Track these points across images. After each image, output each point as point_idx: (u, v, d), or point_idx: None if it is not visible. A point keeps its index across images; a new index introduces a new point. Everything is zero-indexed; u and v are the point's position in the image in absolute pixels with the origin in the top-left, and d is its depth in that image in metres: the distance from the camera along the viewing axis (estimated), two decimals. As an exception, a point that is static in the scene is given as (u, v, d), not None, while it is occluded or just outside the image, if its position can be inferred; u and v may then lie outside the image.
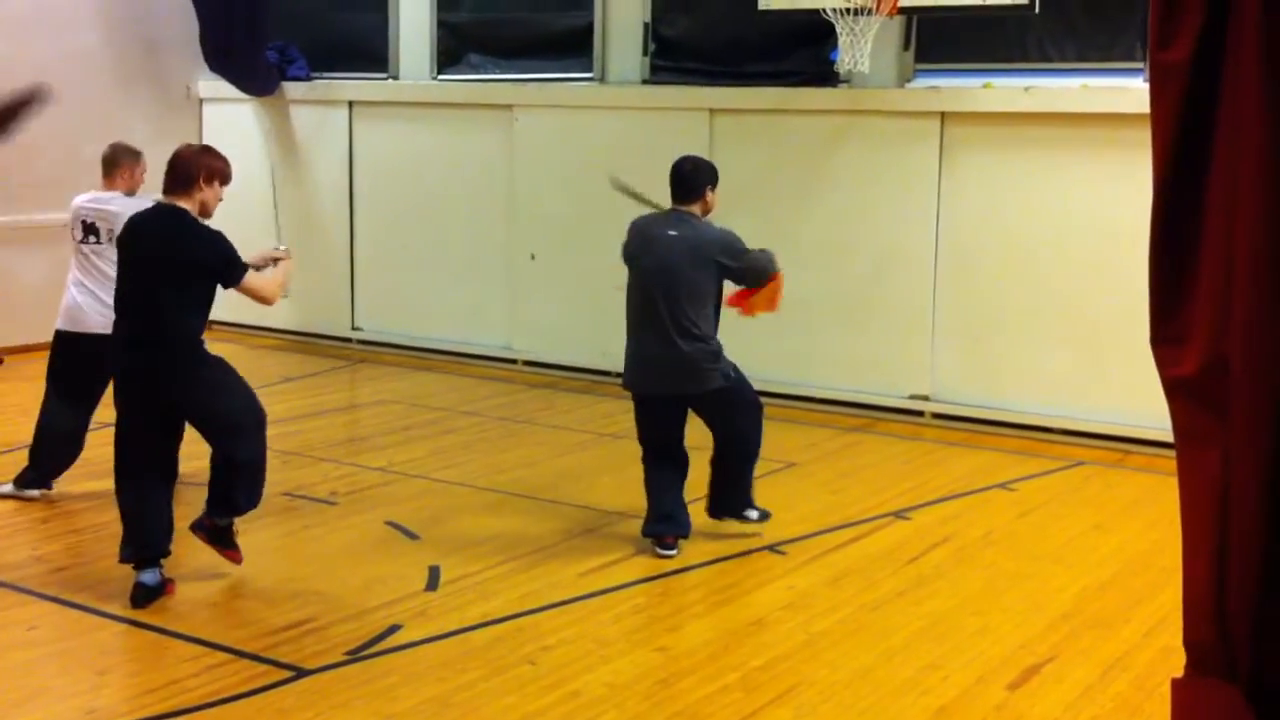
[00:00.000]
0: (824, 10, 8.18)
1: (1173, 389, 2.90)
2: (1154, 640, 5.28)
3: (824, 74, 9.27)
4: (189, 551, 6.02)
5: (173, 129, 11.36)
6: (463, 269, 10.92)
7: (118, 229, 6.29)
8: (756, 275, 6.28)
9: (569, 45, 10.54)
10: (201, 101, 12.03)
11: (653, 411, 6.32)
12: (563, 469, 7.75)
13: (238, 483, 5.65)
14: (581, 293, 10.22)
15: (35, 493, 6.90)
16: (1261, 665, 2.71)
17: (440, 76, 11.14)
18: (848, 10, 8.12)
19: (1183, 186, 2.87)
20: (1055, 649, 5.22)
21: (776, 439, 7.31)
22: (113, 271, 6.06)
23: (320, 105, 11.52)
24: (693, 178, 6.29)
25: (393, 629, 5.26)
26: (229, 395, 5.66)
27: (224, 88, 11.62)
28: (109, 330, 5.75)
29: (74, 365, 6.78)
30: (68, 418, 6.82)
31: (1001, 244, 8.75)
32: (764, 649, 5.18)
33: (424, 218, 11.04)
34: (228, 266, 5.52)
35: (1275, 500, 2.68)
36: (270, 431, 8.32)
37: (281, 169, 11.56)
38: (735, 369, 6.30)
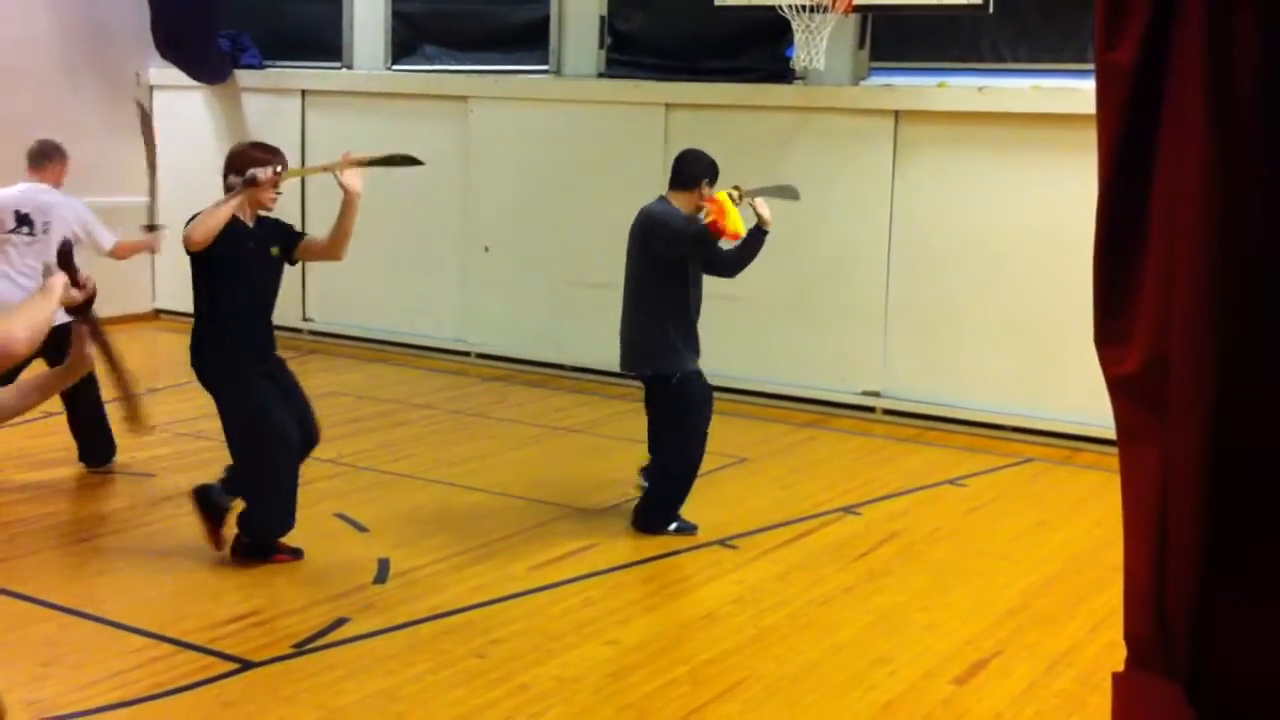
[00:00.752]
0: (780, 7, 8.20)
1: (1115, 387, 2.93)
2: (1099, 636, 5.33)
3: (780, 71, 9.30)
4: (136, 542, 5.96)
5: (123, 117, 11.24)
6: (416, 261, 10.87)
7: (54, 222, 6.32)
8: (698, 240, 6.22)
9: (525, 38, 10.51)
10: (152, 89, 11.89)
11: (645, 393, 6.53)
12: (514, 462, 7.74)
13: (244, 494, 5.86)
14: (535, 286, 10.20)
15: None
16: (1199, 660, 2.74)
17: (395, 67, 11.08)
18: (803, 7, 8.14)
19: (1127, 187, 2.90)
20: (1001, 644, 5.26)
21: (730, 434, 7.32)
22: (38, 263, 6.20)
23: (273, 94, 11.43)
24: (687, 168, 6.37)
25: (340, 621, 5.22)
26: (232, 429, 5.76)
27: (175, 75, 11.51)
28: None
29: None
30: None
31: (954, 242, 8.81)
32: (713, 643, 5.19)
33: (377, 209, 10.90)
34: None
35: (1213, 498, 2.71)
36: (217, 423, 8.27)
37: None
38: (692, 383, 6.28)
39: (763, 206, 6.36)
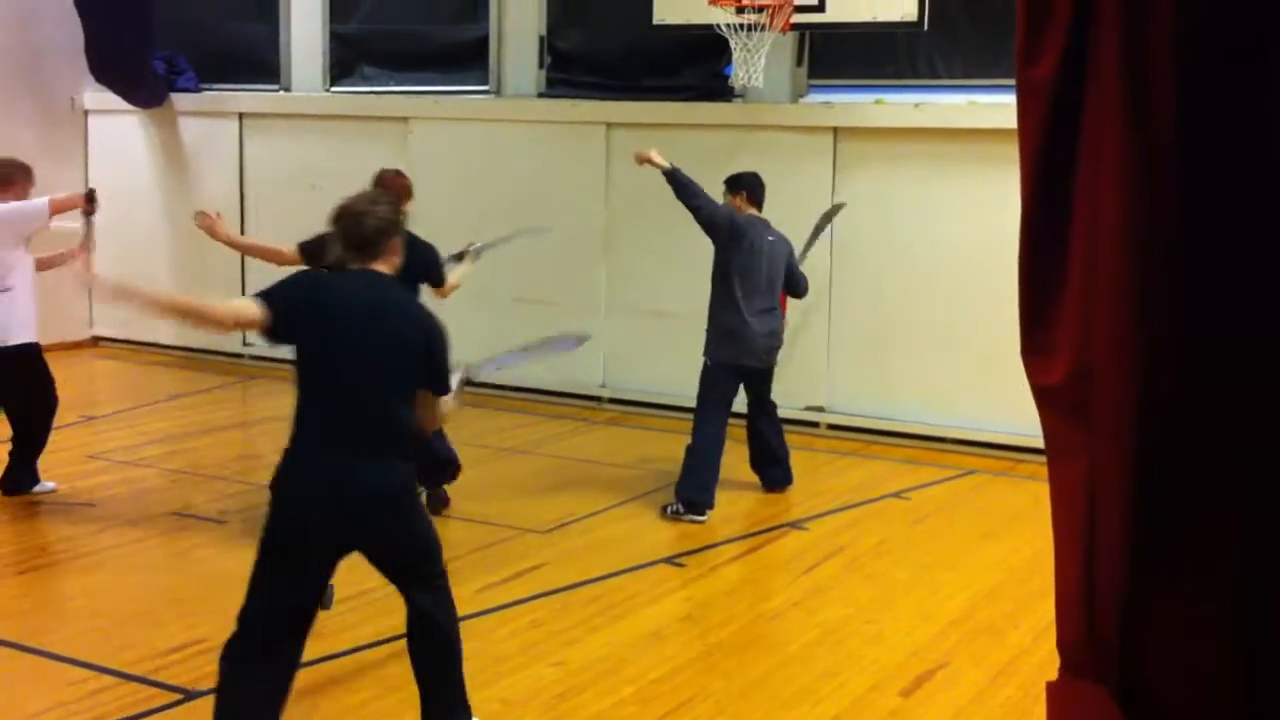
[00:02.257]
0: (717, 26, 8.24)
1: (1042, 399, 2.97)
2: (1042, 645, 5.38)
3: (719, 89, 9.35)
4: (77, 572, 5.88)
5: (57, 142, 11.14)
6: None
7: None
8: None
9: (464, 57, 10.51)
10: (87, 113, 11.77)
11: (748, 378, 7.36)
12: (459, 484, 7.68)
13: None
14: (479, 306, 10.17)
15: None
16: (1130, 666, 2.78)
17: (333, 88, 11.03)
18: (741, 26, 8.19)
19: (1048, 200, 2.95)
20: (946, 655, 5.30)
21: (676, 452, 7.34)
22: None
23: (209, 117, 11.34)
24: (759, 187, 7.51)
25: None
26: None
27: (110, 99, 11.39)
28: None
29: None
30: None
31: (894, 256, 8.89)
32: (661, 661, 5.19)
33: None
34: None
35: (1139, 506, 2.75)
36: (158, 450, 8.21)
37: (170, 181, 11.35)
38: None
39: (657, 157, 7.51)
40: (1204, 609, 2.72)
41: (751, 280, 7.14)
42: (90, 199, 6.92)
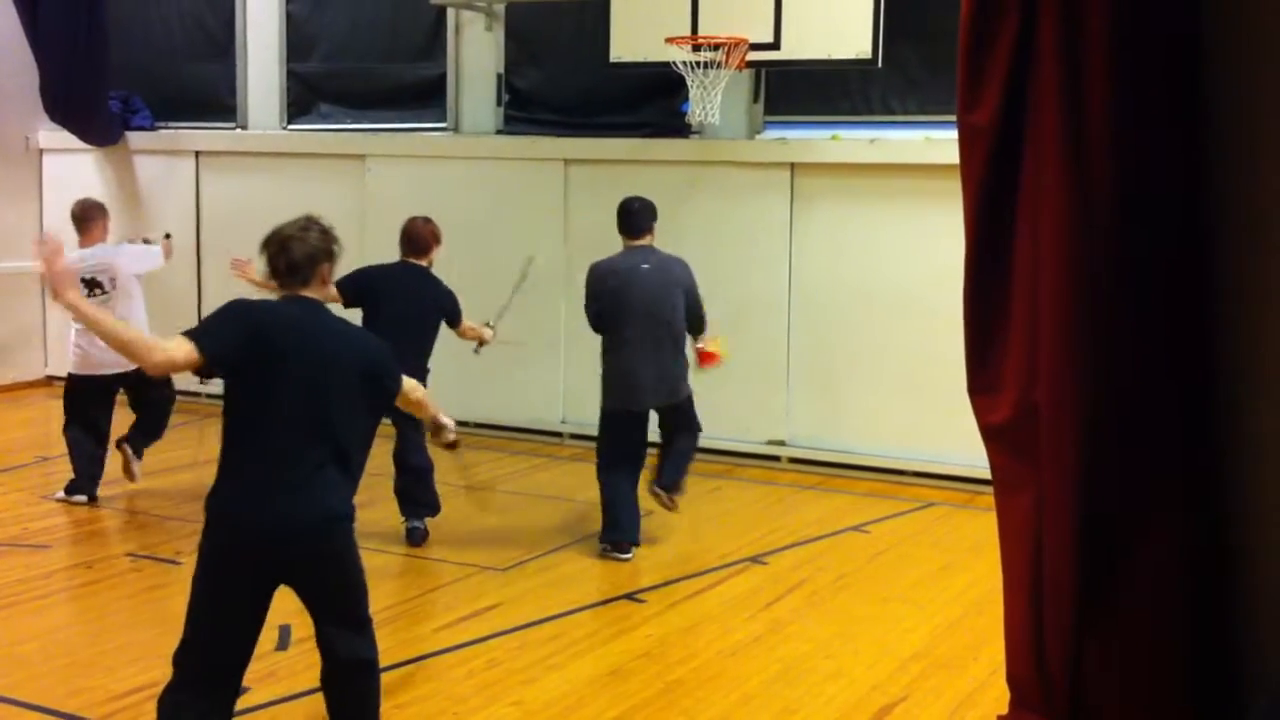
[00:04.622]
0: (674, 63, 8.29)
1: (989, 436, 3.01)
2: (1000, 677, 5.29)
3: (676, 125, 9.40)
4: (30, 615, 5.79)
5: (12, 180, 11.05)
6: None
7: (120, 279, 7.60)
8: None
9: (422, 95, 10.52)
10: (42, 152, 11.69)
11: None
12: (418, 522, 7.65)
13: None
14: (437, 344, 10.13)
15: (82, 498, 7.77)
16: (1078, 700, 2.80)
17: (290, 126, 11.01)
18: (697, 64, 8.25)
19: (991, 242, 3.00)
20: (906, 689, 5.29)
21: (639, 488, 7.32)
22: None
23: (165, 155, 11.29)
24: (648, 218, 7.22)
25: (239, 691, 5.10)
26: None
27: (65, 138, 11.32)
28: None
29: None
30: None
31: (851, 291, 8.93)
32: (620, 699, 5.16)
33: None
34: None
35: (1084, 540, 2.77)
36: (112, 491, 8.11)
37: (126, 219, 11.27)
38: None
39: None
40: (1151, 642, 2.74)
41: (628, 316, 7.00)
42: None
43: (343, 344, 4.21)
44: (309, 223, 4.37)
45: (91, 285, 7.56)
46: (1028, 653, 2.83)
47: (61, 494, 7.81)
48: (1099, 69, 2.73)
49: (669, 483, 7.26)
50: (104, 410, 7.88)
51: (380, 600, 6.17)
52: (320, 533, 4.02)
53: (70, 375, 7.87)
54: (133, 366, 7.54)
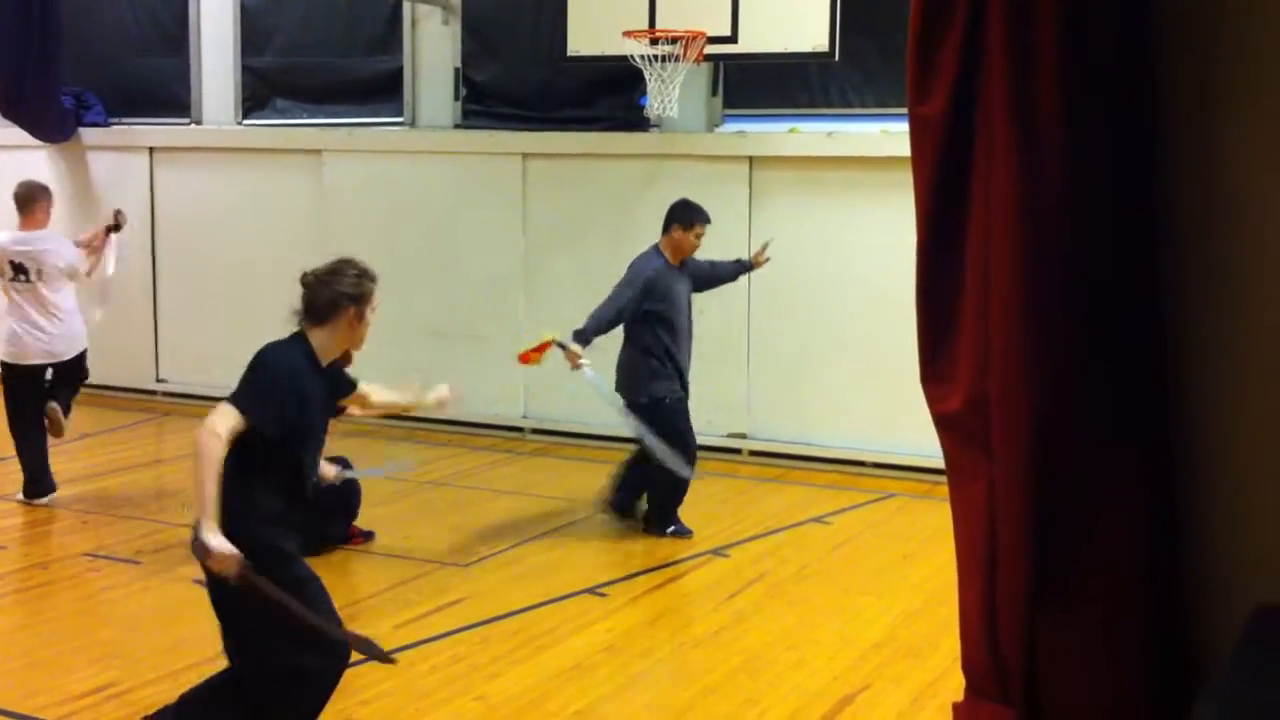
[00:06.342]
0: (631, 57, 8.29)
1: (941, 425, 3.03)
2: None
3: (634, 119, 9.39)
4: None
5: (-38, 177, 10.87)
6: (271, 318, 10.55)
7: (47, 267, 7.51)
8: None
9: (379, 90, 10.46)
10: (-7, 148, 11.56)
11: None
12: (378, 519, 7.60)
13: None
14: (396, 339, 10.10)
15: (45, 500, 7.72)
16: (1032, 686, 2.82)
17: (246, 121, 10.92)
18: (655, 57, 8.24)
19: (943, 232, 3.02)
20: (868, 679, 5.32)
21: (599, 481, 7.32)
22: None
23: (119, 151, 11.18)
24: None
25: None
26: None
27: (16, 134, 11.19)
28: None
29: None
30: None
31: (809, 283, 8.96)
32: (583, 693, 5.16)
33: (230, 266, 10.78)
34: None
35: (1037, 528, 2.80)
36: (69, 491, 8.05)
37: (79, 216, 11.16)
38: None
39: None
40: (1103, 629, 2.77)
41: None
42: (117, 223, 7.98)
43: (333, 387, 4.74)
44: (342, 266, 4.80)
45: (18, 270, 7.56)
46: (982, 641, 2.85)
47: (21, 497, 7.76)
48: (1048, 61, 2.76)
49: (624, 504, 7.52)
50: (41, 399, 7.77)
51: (340, 597, 6.14)
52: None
53: (5, 364, 7.78)
54: (64, 354, 7.67)
